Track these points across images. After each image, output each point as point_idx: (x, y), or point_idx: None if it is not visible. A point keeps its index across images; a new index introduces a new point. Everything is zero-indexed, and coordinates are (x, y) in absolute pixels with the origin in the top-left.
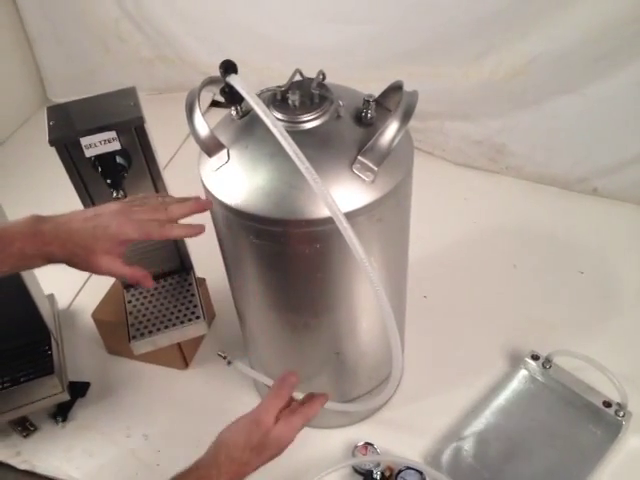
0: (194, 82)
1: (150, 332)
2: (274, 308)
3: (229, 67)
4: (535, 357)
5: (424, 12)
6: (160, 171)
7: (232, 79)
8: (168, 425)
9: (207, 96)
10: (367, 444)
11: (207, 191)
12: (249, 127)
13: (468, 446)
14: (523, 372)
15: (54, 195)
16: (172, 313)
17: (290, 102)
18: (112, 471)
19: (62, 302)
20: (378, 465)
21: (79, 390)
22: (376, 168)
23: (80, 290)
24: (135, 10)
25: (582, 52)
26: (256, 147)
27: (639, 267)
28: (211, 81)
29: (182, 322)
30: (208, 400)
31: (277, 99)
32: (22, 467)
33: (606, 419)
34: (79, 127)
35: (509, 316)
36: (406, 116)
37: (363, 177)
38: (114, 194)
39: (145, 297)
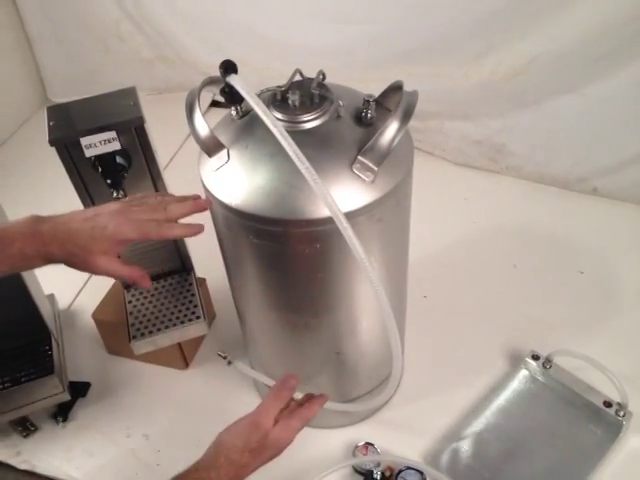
0: (194, 82)
1: (150, 332)
2: (274, 308)
3: (229, 67)
4: (535, 357)
5: (424, 12)
6: (160, 171)
7: (232, 79)
8: (168, 425)
9: (207, 96)
10: (367, 444)
11: (207, 191)
12: (249, 127)
13: (468, 446)
14: (523, 372)
15: (54, 195)
16: (172, 313)
17: (290, 102)
18: (112, 471)
19: (62, 302)
20: (378, 465)
21: (79, 390)
22: (376, 168)
23: (80, 290)
24: (135, 10)
25: (582, 52)
26: (256, 147)
27: (639, 267)
28: (211, 81)
29: (182, 322)
30: (208, 400)
31: (277, 99)
32: (22, 467)
33: (606, 419)
34: (79, 127)
35: (509, 316)
36: (406, 116)
37: (363, 177)
38: (114, 194)
39: (145, 297)
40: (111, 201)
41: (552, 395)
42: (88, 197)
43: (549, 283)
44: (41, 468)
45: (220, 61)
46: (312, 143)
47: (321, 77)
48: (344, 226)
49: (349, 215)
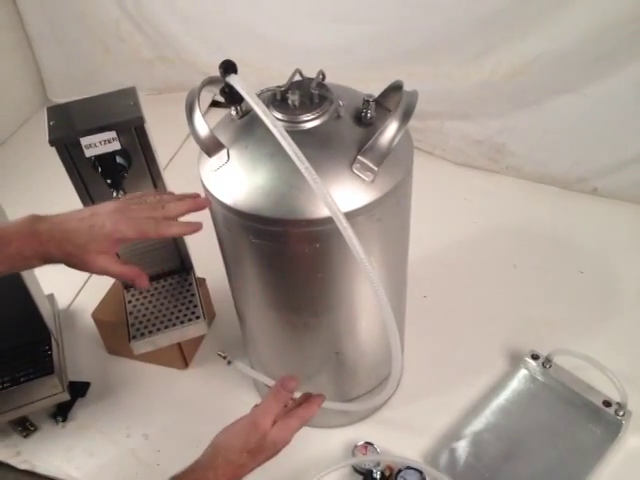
0: (194, 82)
1: (150, 332)
2: (274, 308)
3: (229, 67)
4: (535, 356)
5: (424, 12)
6: (160, 171)
7: (232, 79)
8: (168, 425)
9: (207, 96)
10: (367, 443)
11: (207, 191)
12: (249, 127)
13: (468, 445)
14: (523, 372)
15: (54, 195)
16: (172, 313)
17: (290, 102)
18: (112, 471)
19: (62, 302)
20: (378, 465)
21: (79, 390)
22: (376, 168)
23: (80, 290)
24: (135, 10)
25: (582, 52)
26: (256, 147)
27: (639, 266)
28: (211, 81)
29: (182, 322)
30: (208, 400)
31: (277, 99)
32: (22, 467)
33: (606, 418)
34: (79, 127)
35: (509, 316)
36: (406, 116)
37: (363, 177)
38: (114, 194)
39: (145, 297)
40: (110, 200)
41: (552, 395)
42: (88, 197)
43: (549, 283)
44: (41, 468)
45: (220, 61)
46: (312, 143)
47: (321, 77)
48: (344, 226)
49: (349, 215)
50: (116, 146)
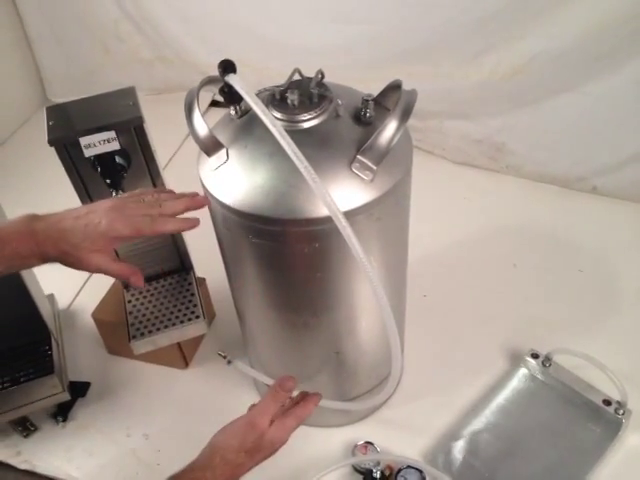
0: (193, 82)
1: (150, 332)
2: (273, 307)
3: (228, 67)
4: (535, 356)
5: (424, 12)
6: (159, 171)
7: (231, 79)
8: (168, 425)
9: (207, 96)
10: (367, 443)
11: (206, 191)
12: (248, 126)
13: (468, 445)
14: (523, 371)
15: (54, 195)
16: (172, 313)
17: (289, 101)
18: (112, 471)
19: (62, 302)
20: (378, 464)
21: (79, 390)
22: (375, 167)
23: (80, 290)
24: (134, 10)
25: (581, 51)
26: (255, 146)
27: (638, 265)
28: (210, 81)
29: (182, 322)
30: (208, 399)
31: (276, 98)
32: (22, 467)
33: (606, 417)
34: (78, 127)
35: (509, 315)
36: (405, 115)
37: (362, 176)
38: (113, 194)
39: (145, 297)
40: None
41: (552, 393)
42: (87, 197)
43: (549, 282)
44: (41, 468)
45: (219, 61)
46: (311, 142)
47: (320, 76)
48: (343, 225)
49: (348, 214)
50: (115, 146)
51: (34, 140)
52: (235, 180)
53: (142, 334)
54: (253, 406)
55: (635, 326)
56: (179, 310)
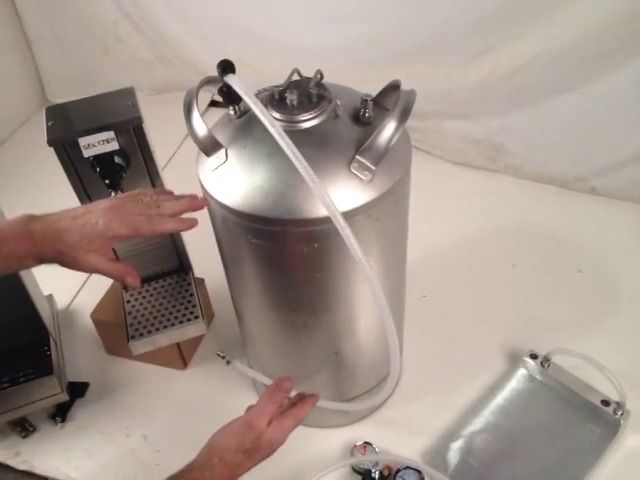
0: (193, 82)
1: (149, 332)
2: (273, 308)
3: (227, 67)
4: (534, 356)
5: (423, 12)
6: (159, 171)
7: (230, 79)
8: (167, 425)
9: (206, 96)
10: (366, 443)
11: (205, 191)
12: (247, 127)
13: (467, 445)
14: (522, 371)
15: (53, 195)
16: (171, 313)
17: (288, 101)
18: (111, 471)
19: (61, 302)
20: (377, 464)
21: (78, 390)
22: (374, 167)
23: (79, 290)
24: (134, 11)
25: (580, 51)
26: (254, 147)
27: (637, 266)
28: (209, 81)
29: (181, 322)
30: (207, 400)
31: (275, 98)
32: (21, 467)
33: (604, 418)
34: (77, 127)
35: (508, 315)
36: (404, 115)
37: (361, 176)
38: (112, 194)
39: (144, 297)
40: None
41: (550, 394)
42: (86, 197)
43: (548, 282)
44: (40, 469)
45: (218, 61)
46: (310, 142)
47: (319, 76)
48: (342, 225)
49: (347, 214)
50: (114, 146)
51: (33, 140)
52: (234, 180)
53: (141, 334)
54: (251, 407)
55: (634, 327)
56: (178, 310)
